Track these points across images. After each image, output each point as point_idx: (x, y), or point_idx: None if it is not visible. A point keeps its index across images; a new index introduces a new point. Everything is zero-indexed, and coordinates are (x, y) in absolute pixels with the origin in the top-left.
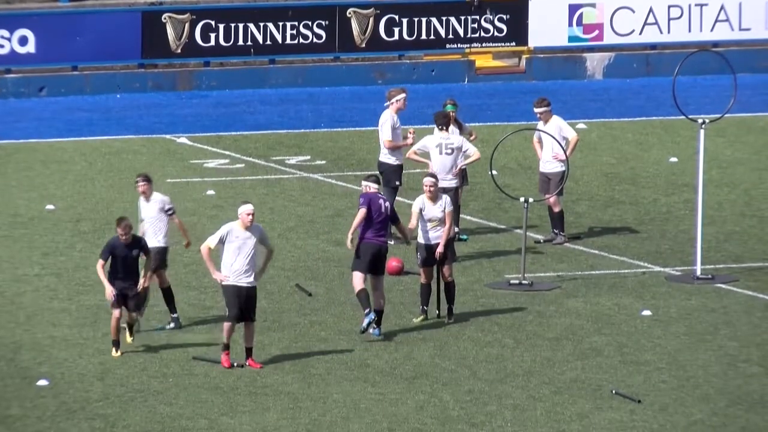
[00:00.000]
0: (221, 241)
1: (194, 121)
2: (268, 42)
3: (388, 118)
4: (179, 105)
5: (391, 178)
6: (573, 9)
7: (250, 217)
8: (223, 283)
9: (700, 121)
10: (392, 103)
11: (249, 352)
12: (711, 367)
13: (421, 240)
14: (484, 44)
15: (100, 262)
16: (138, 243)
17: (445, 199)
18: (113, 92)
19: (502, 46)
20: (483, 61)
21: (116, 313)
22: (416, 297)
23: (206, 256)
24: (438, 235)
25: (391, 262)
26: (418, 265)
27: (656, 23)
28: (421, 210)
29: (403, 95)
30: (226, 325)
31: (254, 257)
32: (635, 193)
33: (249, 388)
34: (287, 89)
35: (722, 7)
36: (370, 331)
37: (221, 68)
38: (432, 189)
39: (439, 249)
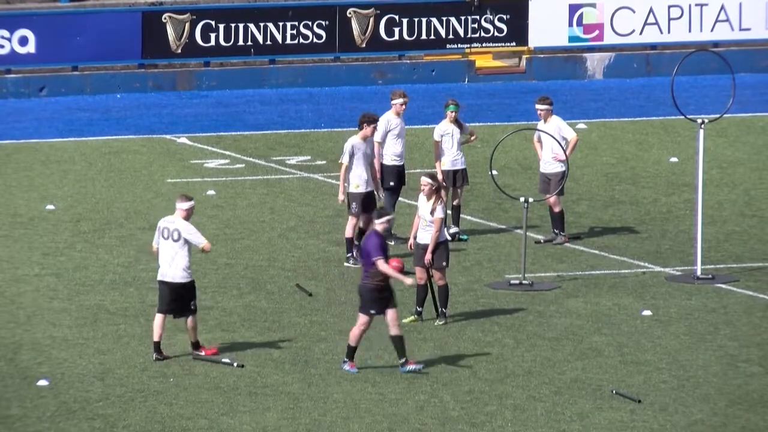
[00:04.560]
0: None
1: (194, 121)
2: (269, 42)
3: (383, 121)
4: (179, 105)
5: (385, 178)
6: (573, 9)
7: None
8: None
9: (699, 121)
10: (392, 105)
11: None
12: (711, 367)
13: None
14: (484, 44)
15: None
16: None
17: (437, 203)
18: (113, 92)
19: (502, 46)
20: (483, 61)
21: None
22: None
23: None
24: (428, 236)
25: (391, 263)
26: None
27: (656, 23)
28: (418, 207)
29: (400, 100)
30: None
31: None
32: (635, 193)
33: (249, 388)
34: (287, 89)
35: (722, 7)
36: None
37: (221, 68)
38: (426, 188)
39: (426, 257)
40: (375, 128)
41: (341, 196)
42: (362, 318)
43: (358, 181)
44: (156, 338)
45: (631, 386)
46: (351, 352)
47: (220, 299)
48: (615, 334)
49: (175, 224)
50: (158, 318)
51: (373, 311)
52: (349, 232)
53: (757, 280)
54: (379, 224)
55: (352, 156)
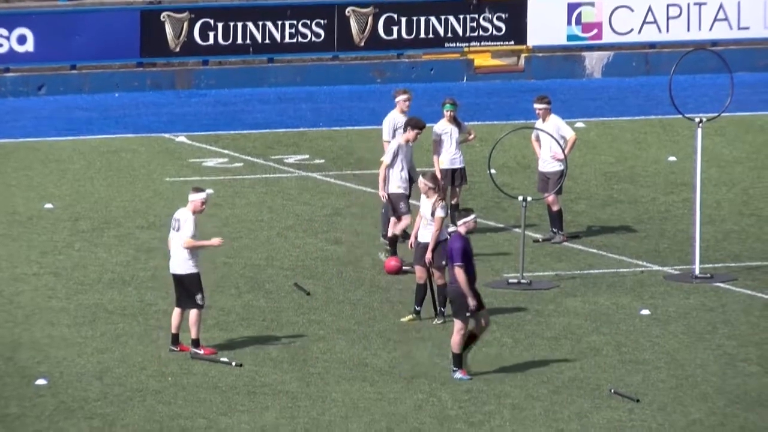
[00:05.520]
0: None
1: (193, 120)
2: (267, 41)
3: (389, 120)
4: (178, 104)
5: None
6: (572, 8)
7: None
8: None
9: (697, 120)
10: (396, 104)
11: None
12: (709, 366)
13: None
14: (482, 43)
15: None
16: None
17: (438, 203)
18: (112, 91)
19: (500, 45)
20: (482, 60)
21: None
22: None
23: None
24: (429, 234)
25: (390, 262)
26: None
27: (655, 22)
28: (420, 206)
29: (403, 96)
30: None
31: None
32: (634, 192)
33: (247, 388)
34: (286, 88)
35: (721, 6)
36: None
37: (220, 67)
38: (427, 187)
39: (427, 256)
40: (418, 134)
41: (383, 192)
42: (458, 324)
43: (399, 182)
44: (173, 330)
45: (629, 385)
46: (457, 359)
47: (218, 298)
48: (613, 333)
49: (182, 215)
50: (175, 311)
51: (469, 315)
52: (398, 230)
53: (756, 279)
54: (462, 225)
55: (395, 156)
